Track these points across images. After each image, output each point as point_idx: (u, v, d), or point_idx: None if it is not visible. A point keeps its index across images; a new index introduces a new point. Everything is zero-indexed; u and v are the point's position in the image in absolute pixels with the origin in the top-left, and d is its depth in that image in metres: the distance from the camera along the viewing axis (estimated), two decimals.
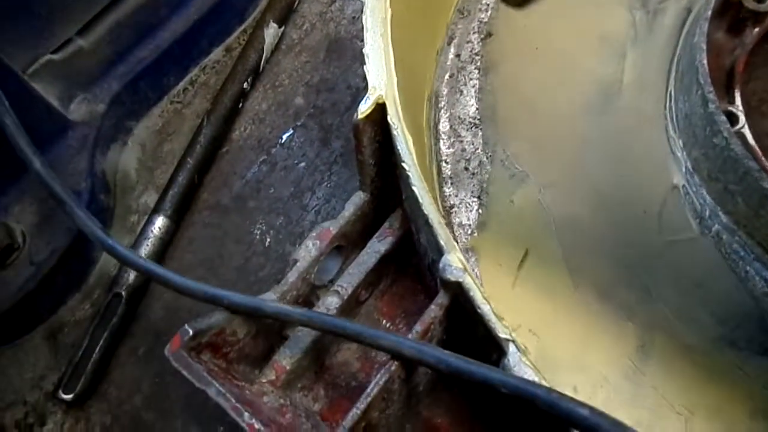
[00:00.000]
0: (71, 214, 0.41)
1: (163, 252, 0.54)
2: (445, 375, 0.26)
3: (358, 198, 0.38)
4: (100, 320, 0.50)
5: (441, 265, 0.29)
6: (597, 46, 0.53)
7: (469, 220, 0.48)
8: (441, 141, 0.51)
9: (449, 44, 0.56)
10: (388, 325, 0.39)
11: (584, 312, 0.44)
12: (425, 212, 0.30)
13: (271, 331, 0.37)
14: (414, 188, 0.30)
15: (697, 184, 0.46)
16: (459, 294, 0.29)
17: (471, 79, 0.54)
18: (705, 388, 0.41)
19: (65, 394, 0.47)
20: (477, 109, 0.53)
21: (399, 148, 0.32)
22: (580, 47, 0.53)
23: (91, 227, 0.41)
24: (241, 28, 0.66)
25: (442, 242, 0.29)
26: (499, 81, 0.53)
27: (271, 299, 0.35)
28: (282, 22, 0.64)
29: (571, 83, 0.52)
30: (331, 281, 0.41)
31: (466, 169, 0.50)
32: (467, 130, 0.52)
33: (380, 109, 0.34)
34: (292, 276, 0.37)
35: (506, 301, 0.45)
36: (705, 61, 0.45)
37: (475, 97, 0.53)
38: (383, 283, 0.40)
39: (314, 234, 0.38)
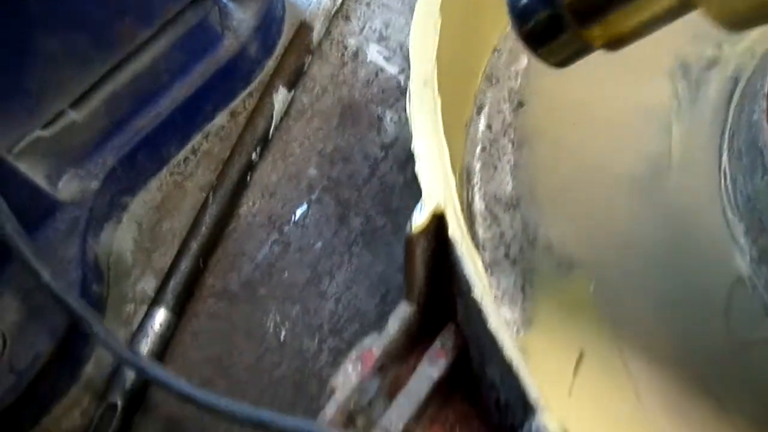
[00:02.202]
0: (92, 333, 0.36)
1: (164, 350, 0.48)
2: None
3: (404, 311, 0.33)
4: None
5: (534, 428, 0.23)
6: (639, 118, 0.49)
7: (513, 315, 0.43)
8: (476, 223, 0.47)
9: (479, 114, 0.52)
10: None
11: (651, 428, 0.39)
12: (508, 359, 0.25)
13: None
14: (491, 328, 0.25)
15: (765, 276, 0.41)
16: None
17: (505, 154, 0.50)
18: None
19: None
20: (513, 187, 0.48)
21: (467, 273, 0.26)
22: (621, 119, 0.50)
23: (119, 349, 0.35)
24: (247, 91, 0.61)
25: (532, 398, 0.24)
26: (535, 156, 0.49)
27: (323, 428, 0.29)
28: (292, 85, 0.60)
29: (616, 159, 0.48)
30: (370, 404, 0.35)
31: (507, 256, 0.45)
32: (505, 211, 0.47)
33: (437, 220, 0.29)
34: (330, 409, 0.32)
35: (563, 412, 0.39)
36: None
37: (511, 173, 0.49)
38: (431, 408, 0.34)
39: (354, 356, 0.32)
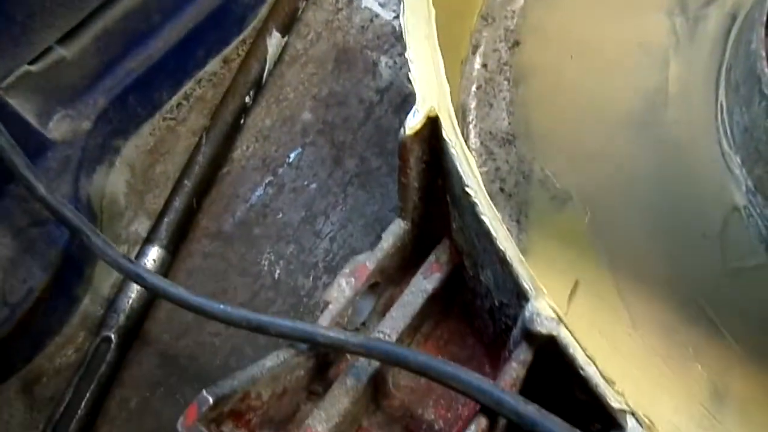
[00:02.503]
0: (90, 245, 0.35)
1: None
2: None
3: (398, 227, 0.33)
4: (85, 369, 0.43)
5: (527, 314, 0.23)
6: (637, 54, 0.49)
7: None
8: None
9: (474, 53, 0.51)
10: None
11: (646, 353, 0.39)
12: (501, 248, 0.24)
13: (299, 386, 0.31)
14: (484, 218, 0.25)
15: (760, 205, 0.41)
16: (550, 350, 0.23)
17: (501, 91, 0.49)
18: None
19: None
20: (509, 123, 0.48)
21: (461, 170, 0.26)
22: (618, 55, 0.49)
23: (116, 258, 0.34)
24: (240, 37, 0.60)
25: (526, 285, 0.24)
26: (531, 93, 0.49)
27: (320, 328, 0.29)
28: (285, 31, 0.59)
29: (612, 94, 0.47)
30: (364, 324, 0.35)
31: (502, 189, 0.45)
32: (500, 146, 0.47)
33: (431, 123, 0.28)
34: (324, 321, 0.31)
35: None
36: (767, 70, 0.40)
37: (507, 110, 0.48)
38: (426, 325, 0.34)
39: (347, 270, 0.32)
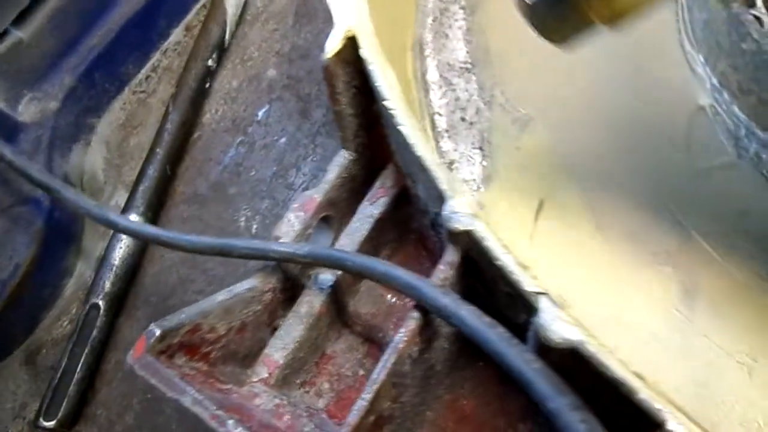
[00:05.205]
0: (61, 198, 0.37)
1: (140, 253, 0.49)
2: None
3: (342, 158, 0.33)
4: (78, 336, 0.45)
5: (445, 213, 0.23)
6: None
7: (473, 174, 0.42)
8: (431, 92, 0.46)
9: None
10: (394, 300, 0.34)
11: (616, 261, 0.38)
12: (418, 155, 0.24)
13: (259, 321, 0.32)
14: (401, 128, 0.25)
15: (726, 102, 0.40)
16: (471, 247, 0.24)
17: (456, 21, 0.48)
18: (765, 330, 0.35)
19: (47, 421, 0.42)
20: (467, 52, 0.47)
21: (378, 84, 0.26)
22: None
23: (88, 207, 0.36)
24: (200, 4, 0.60)
25: (443, 187, 0.24)
26: (488, 18, 0.48)
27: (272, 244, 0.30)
28: None
29: None
30: None
31: (463, 119, 0.45)
32: (459, 76, 0.46)
33: (351, 44, 0.28)
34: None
35: (526, 260, 0.40)
36: None
37: (464, 39, 0.47)
38: (383, 253, 0.35)
39: (296, 204, 0.33)
